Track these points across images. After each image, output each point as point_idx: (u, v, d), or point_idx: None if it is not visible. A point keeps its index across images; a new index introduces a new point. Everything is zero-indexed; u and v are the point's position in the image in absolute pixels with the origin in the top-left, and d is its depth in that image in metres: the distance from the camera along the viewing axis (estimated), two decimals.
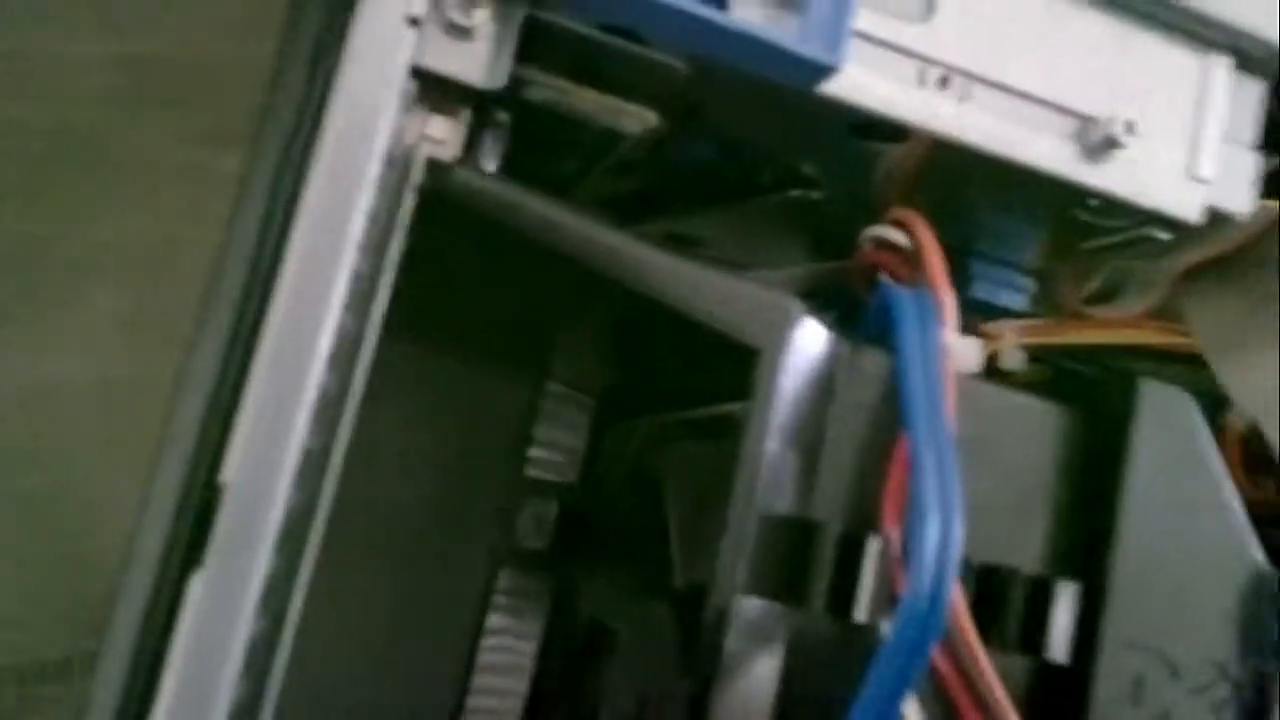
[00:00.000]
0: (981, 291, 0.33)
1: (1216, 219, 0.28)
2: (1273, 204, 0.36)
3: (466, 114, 0.23)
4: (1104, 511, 0.25)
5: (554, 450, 0.40)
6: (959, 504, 0.21)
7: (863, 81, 0.25)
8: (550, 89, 0.25)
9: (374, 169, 0.21)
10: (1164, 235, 0.28)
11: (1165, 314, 0.38)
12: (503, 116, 0.25)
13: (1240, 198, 0.28)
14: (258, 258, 0.22)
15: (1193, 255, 0.37)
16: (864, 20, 0.25)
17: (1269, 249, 0.37)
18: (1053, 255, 0.34)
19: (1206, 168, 0.27)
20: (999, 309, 0.33)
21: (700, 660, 0.23)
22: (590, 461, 0.39)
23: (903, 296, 0.25)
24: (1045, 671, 0.25)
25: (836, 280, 0.34)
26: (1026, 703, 0.24)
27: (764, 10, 0.24)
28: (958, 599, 0.22)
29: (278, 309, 0.21)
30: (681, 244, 0.38)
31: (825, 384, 0.25)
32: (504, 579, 0.38)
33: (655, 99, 0.26)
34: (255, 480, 0.21)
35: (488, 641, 0.37)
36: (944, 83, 0.26)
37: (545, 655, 0.37)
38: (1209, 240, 0.37)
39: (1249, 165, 0.28)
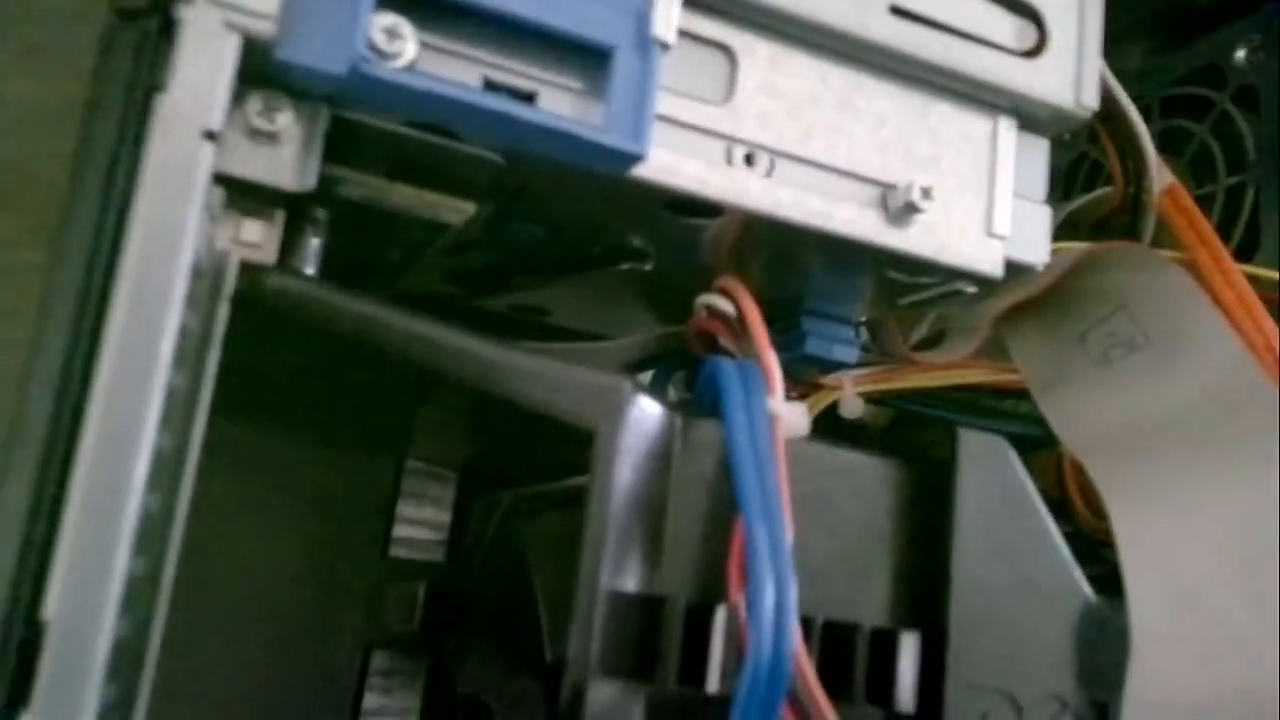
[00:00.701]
0: (815, 348, 0.34)
1: (1016, 270, 0.29)
2: (1074, 247, 0.38)
3: (280, 215, 0.23)
4: (936, 558, 0.26)
5: (419, 528, 0.39)
6: (791, 568, 0.22)
7: (671, 163, 0.26)
8: (364, 187, 0.25)
9: (181, 282, 0.21)
10: (970, 289, 0.30)
11: (994, 352, 0.40)
12: (320, 214, 0.25)
13: (1036, 249, 0.30)
14: (65, 379, 0.21)
15: (1005, 300, 0.39)
16: (667, 105, 0.26)
17: (1074, 290, 0.39)
18: (877, 309, 0.35)
19: (1002, 224, 0.29)
20: (833, 363, 0.34)
21: None
22: (456, 538, 0.39)
23: (727, 368, 0.26)
24: None
25: (678, 345, 0.35)
26: None
27: (572, 101, 0.25)
28: (803, 659, 0.23)
29: (90, 433, 0.20)
30: (527, 314, 0.39)
31: (663, 459, 0.25)
32: (378, 660, 0.37)
33: (474, 188, 0.26)
34: (78, 614, 0.20)
35: None
36: (750, 160, 0.27)
37: None
38: (1018, 285, 0.39)
39: (1041, 218, 0.30)
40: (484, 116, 0.23)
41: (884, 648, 0.25)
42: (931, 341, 0.40)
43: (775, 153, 0.27)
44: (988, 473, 0.26)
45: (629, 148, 0.24)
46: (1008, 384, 0.39)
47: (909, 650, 0.25)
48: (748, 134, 0.27)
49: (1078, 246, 0.39)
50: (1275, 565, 0.28)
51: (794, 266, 0.31)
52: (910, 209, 0.28)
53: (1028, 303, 0.40)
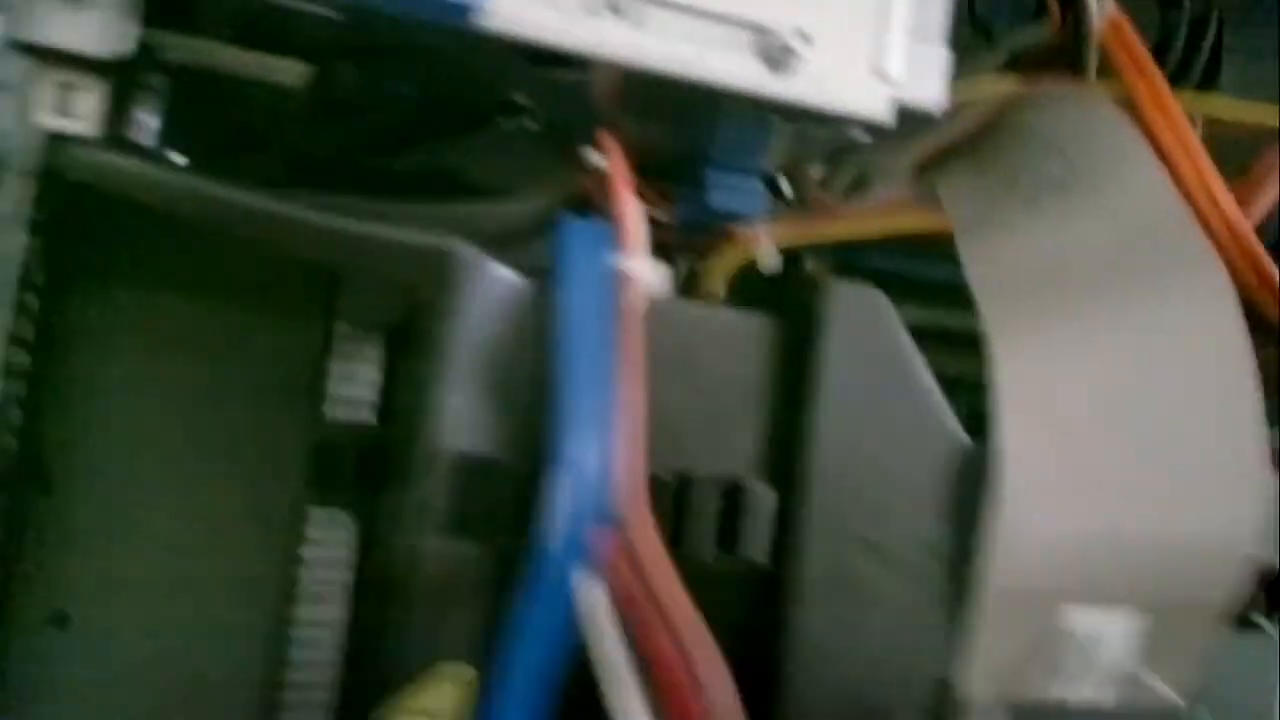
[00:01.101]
0: (718, 200, 0.33)
1: (910, 116, 0.28)
2: (1005, 85, 0.37)
3: (102, 85, 0.22)
4: (801, 412, 0.26)
5: (350, 387, 0.39)
6: (612, 428, 0.22)
7: (522, 12, 0.24)
8: (189, 51, 0.23)
9: None
10: (863, 136, 0.29)
11: (921, 200, 0.39)
12: (157, 83, 0.24)
13: (931, 93, 0.28)
14: None
15: (932, 142, 0.38)
16: None
17: (1007, 130, 0.38)
18: (784, 158, 0.34)
19: (892, 67, 0.27)
20: (737, 215, 0.33)
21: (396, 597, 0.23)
22: (388, 399, 0.39)
23: (569, 228, 0.25)
24: (752, 575, 0.25)
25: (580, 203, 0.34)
26: (733, 606, 0.25)
27: None
28: (638, 511, 0.22)
29: None
30: (437, 178, 0.37)
31: (512, 324, 0.25)
32: (315, 516, 0.38)
33: (318, 49, 0.25)
34: None
35: (304, 572, 0.37)
36: (615, 9, 0.25)
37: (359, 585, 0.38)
38: (947, 126, 0.38)
39: (938, 59, 0.28)
40: None
41: (738, 500, 0.25)
42: (854, 190, 0.38)
43: None
44: (856, 325, 0.26)
45: None
46: (936, 230, 0.38)
47: (760, 501, 0.25)
48: None
49: (1008, 86, 0.37)
50: (1162, 406, 0.27)
51: (682, 119, 0.30)
52: (787, 53, 0.26)
53: (959, 145, 0.38)
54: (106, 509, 0.31)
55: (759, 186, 0.34)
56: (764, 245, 0.37)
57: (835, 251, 0.42)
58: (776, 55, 0.26)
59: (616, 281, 0.24)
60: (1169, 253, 0.29)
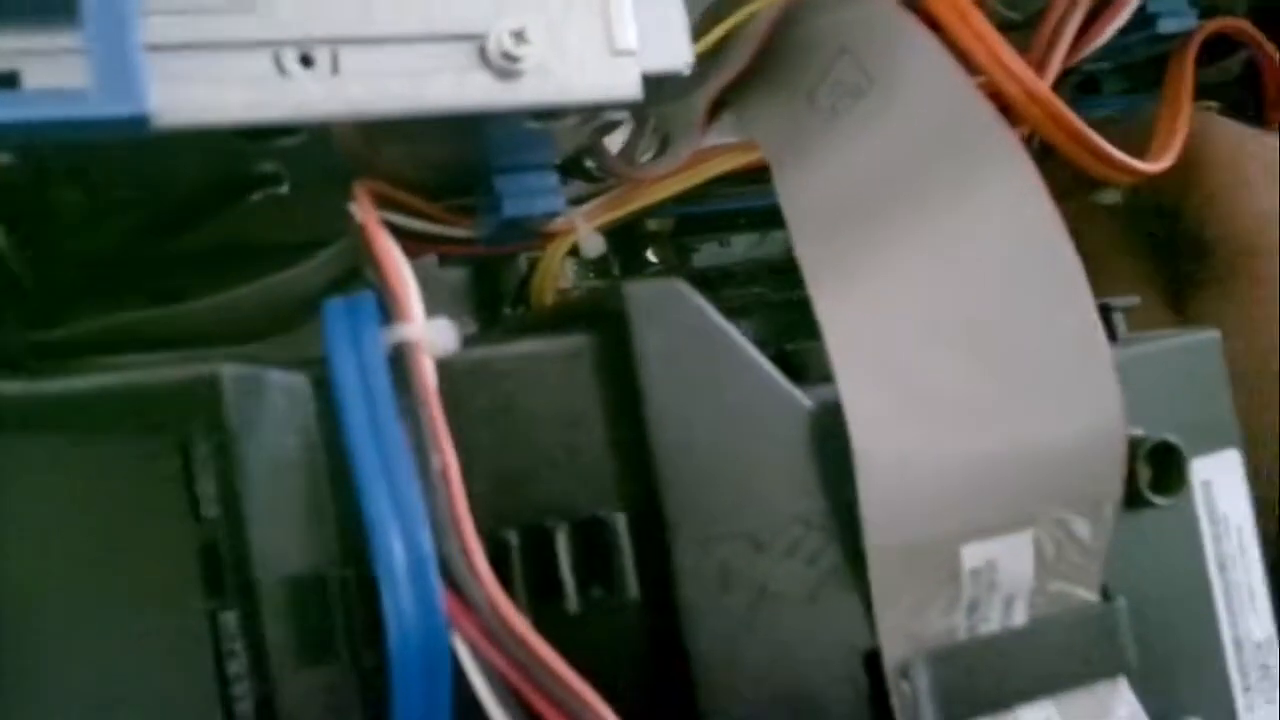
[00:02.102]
0: (514, 209, 0.31)
1: (659, 82, 0.26)
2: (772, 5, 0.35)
3: None
4: (634, 424, 0.24)
5: None
6: (420, 511, 0.20)
7: (206, 98, 0.22)
8: None
9: None
10: (619, 115, 0.27)
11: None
12: None
13: (676, 52, 0.26)
14: None
15: (724, 75, 0.36)
16: (178, 29, 0.22)
17: (794, 42, 0.36)
18: (570, 144, 0.32)
19: (626, 38, 0.26)
20: (539, 217, 0.32)
21: None
22: None
23: (329, 308, 0.23)
24: (632, 605, 0.24)
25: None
26: (622, 642, 0.24)
27: (60, 67, 0.21)
28: (486, 580, 0.21)
29: None
30: (237, 249, 0.35)
31: (298, 430, 0.23)
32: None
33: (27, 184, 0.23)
34: None
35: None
36: (307, 61, 0.23)
37: None
38: (727, 62, 0.36)
39: (675, 15, 0.27)
40: None
41: (594, 537, 0.24)
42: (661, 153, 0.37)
43: (335, 42, 0.23)
44: (661, 321, 0.24)
45: (124, 111, 0.20)
46: (751, 165, 0.36)
47: (619, 531, 0.24)
48: (294, 31, 0.23)
49: None
50: (994, 312, 0.26)
51: (447, 138, 0.28)
52: (508, 59, 0.24)
53: (751, 70, 0.36)
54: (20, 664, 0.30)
55: (553, 183, 0.32)
56: (583, 233, 0.35)
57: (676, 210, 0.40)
58: (498, 63, 0.24)
59: (398, 353, 0.22)
60: (968, 149, 0.28)
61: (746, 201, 0.40)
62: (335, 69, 0.23)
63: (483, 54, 0.24)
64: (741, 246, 0.45)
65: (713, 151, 0.36)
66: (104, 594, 0.33)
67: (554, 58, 0.25)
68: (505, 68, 0.24)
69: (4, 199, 0.23)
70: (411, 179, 0.31)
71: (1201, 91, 0.45)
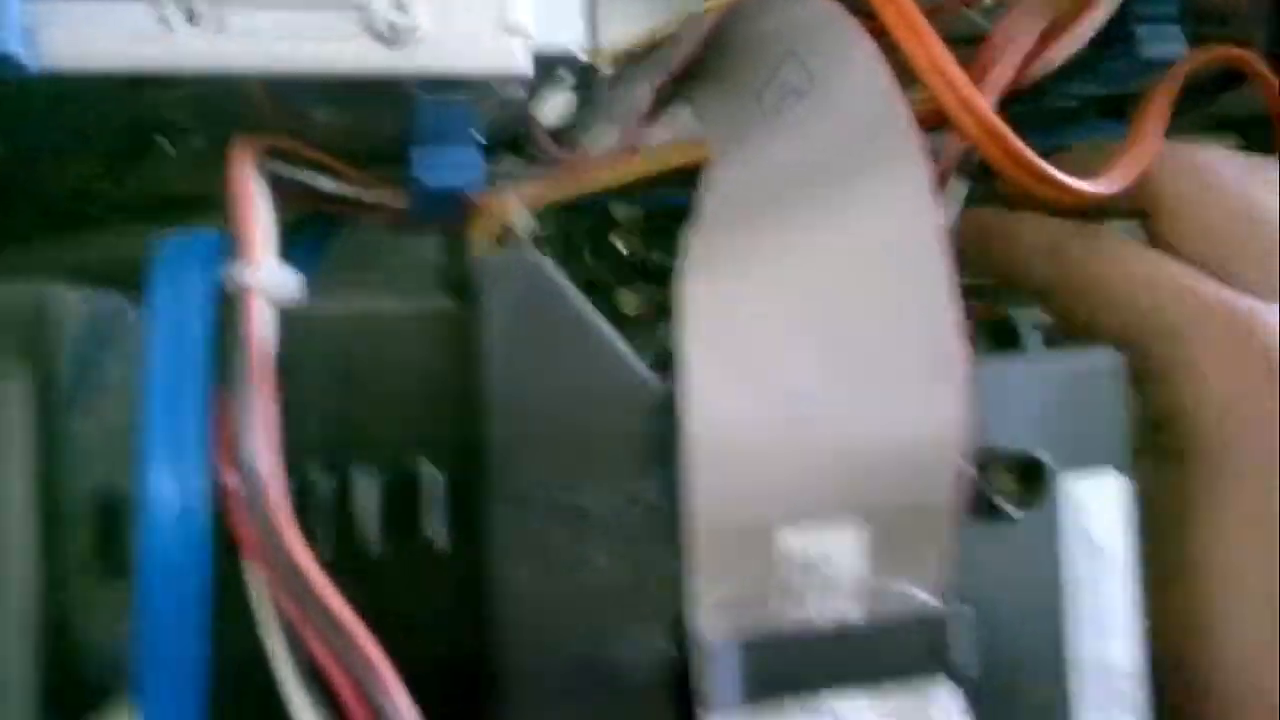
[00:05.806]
0: (432, 180, 0.32)
1: (554, 62, 0.27)
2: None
3: None
4: (472, 392, 0.25)
5: None
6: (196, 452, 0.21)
7: (84, 45, 0.23)
8: None
9: None
10: (517, 92, 0.28)
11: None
12: None
13: (569, 33, 0.27)
14: None
15: (660, 75, 0.36)
16: None
17: (746, 40, 0.36)
18: (500, 122, 0.33)
19: (519, 16, 0.26)
20: (458, 190, 0.33)
21: None
22: None
23: (161, 246, 0.24)
24: (438, 560, 0.25)
25: None
26: (426, 595, 0.25)
27: None
28: (280, 517, 0.22)
29: None
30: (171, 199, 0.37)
31: (115, 354, 0.24)
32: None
33: None
34: None
35: None
36: (191, 17, 0.24)
37: None
38: (673, 56, 0.36)
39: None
40: None
41: (408, 487, 0.24)
42: None
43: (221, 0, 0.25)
44: (513, 290, 0.25)
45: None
46: (698, 162, 0.37)
47: (431, 484, 0.24)
48: None
49: None
50: (855, 310, 0.26)
51: (348, 114, 0.29)
52: (393, 28, 0.25)
53: (708, 69, 0.37)
54: None
55: (474, 158, 0.33)
56: (514, 210, 0.36)
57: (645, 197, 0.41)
58: (381, 30, 0.25)
59: (227, 294, 0.23)
60: (870, 156, 0.28)
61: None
62: (221, 28, 0.24)
63: (367, 21, 0.25)
64: None
65: (667, 146, 0.37)
66: None
67: (441, 29, 0.26)
68: (388, 36, 0.25)
69: None
70: (341, 145, 0.32)
71: (1221, 124, 0.43)
